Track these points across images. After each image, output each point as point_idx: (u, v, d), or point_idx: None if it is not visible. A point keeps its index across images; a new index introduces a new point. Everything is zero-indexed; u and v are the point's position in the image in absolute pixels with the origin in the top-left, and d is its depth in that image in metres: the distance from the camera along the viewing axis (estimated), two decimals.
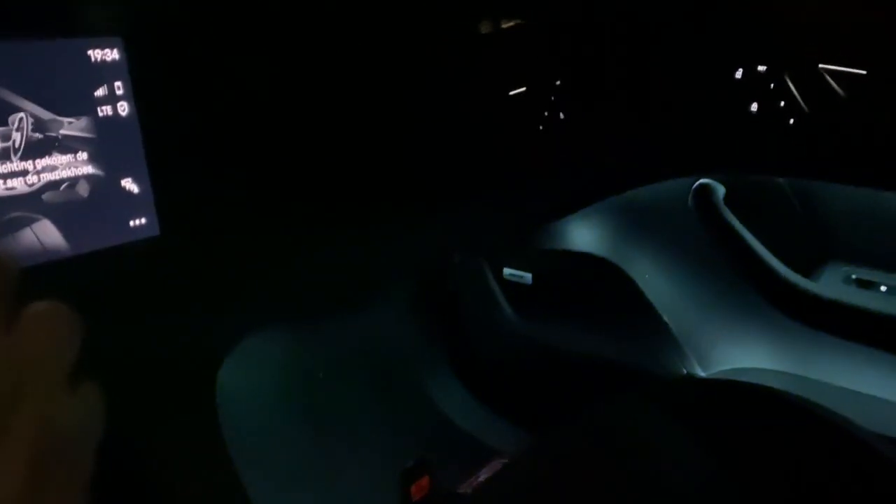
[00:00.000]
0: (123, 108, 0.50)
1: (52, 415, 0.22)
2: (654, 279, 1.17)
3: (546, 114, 0.92)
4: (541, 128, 0.91)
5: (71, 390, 0.24)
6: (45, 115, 0.47)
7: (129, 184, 0.51)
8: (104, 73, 0.49)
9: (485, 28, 0.81)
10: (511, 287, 1.20)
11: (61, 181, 0.48)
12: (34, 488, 0.21)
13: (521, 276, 1.20)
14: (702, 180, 1.13)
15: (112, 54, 0.49)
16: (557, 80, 0.92)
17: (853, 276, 1.12)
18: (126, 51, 0.49)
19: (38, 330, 0.23)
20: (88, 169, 0.49)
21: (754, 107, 0.96)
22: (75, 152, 0.49)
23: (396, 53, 0.70)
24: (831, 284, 1.11)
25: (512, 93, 0.86)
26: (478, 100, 0.82)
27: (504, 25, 0.83)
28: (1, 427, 0.21)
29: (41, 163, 0.47)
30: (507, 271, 1.21)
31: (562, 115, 0.93)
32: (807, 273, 1.12)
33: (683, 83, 1.01)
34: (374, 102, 0.69)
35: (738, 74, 0.96)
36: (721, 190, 1.13)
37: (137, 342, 0.51)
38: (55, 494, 0.22)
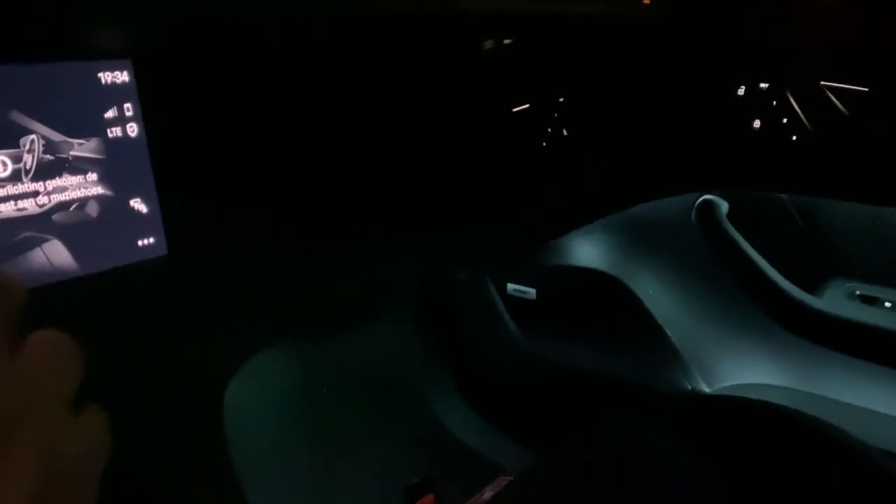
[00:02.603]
0: (133, 130, 0.51)
1: (56, 440, 0.23)
2: (657, 295, 1.17)
3: (549, 130, 0.92)
4: (544, 144, 0.92)
5: (75, 416, 0.24)
6: (56, 136, 0.47)
7: (137, 204, 0.52)
8: (114, 94, 0.49)
9: (487, 45, 0.82)
10: (515, 303, 1.21)
11: (71, 202, 0.49)
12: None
13: (525, 292, 1.20)
14: (705, 196, 1.14)
15: (122, 76, 0.50)
16: (561, 96, 0.92)
17: (857, 292, 1.11)
18: (136, 72, 0.50)
19: (40, 357, 0.24)
20: (98, 189, 0.50)
21: (757, 124, 0.96)
22: (85, 173, 0.49)
23: (399, 72, 0.71)
24: (835, 300, 1.11)
25: (515, 109, 0.86)
26: (481, 116, 0.82)
27: (507, 42, 0.84)
28: (4, 451, 0.21)
29: (52, 184, 0.47)
30: (510, 287, 1.21)
31: (565, 132, 0.94)
32: (810, 289, 1.12)
33: (686, 100, 1.01)
34: (378, 120, 0.69)
35: (741, 92, 0.96)
36: (724, 206, 1.13)
37: (145, 360, 0.52)
38: None
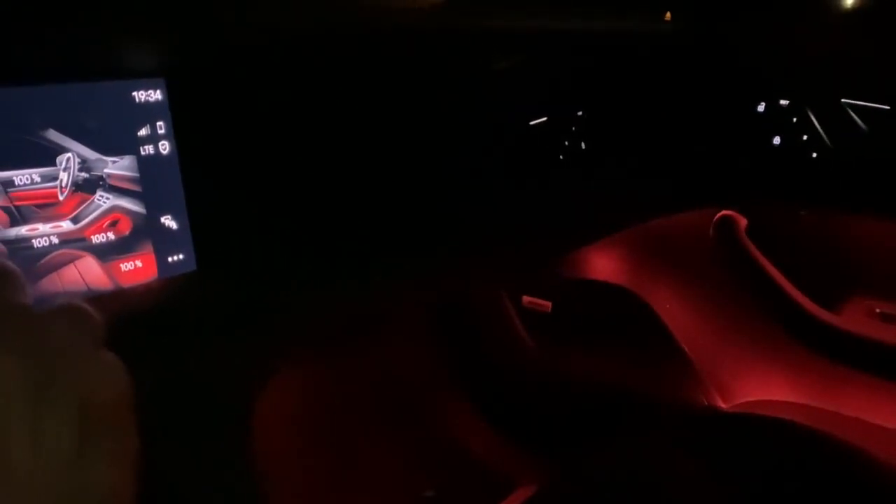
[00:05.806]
0: (164, 147, 0.51)
1: (90, 381, 0.25)
2: (674, 309, 1.17)
3: (567, 143, 0.92)
4: (561, 157, 0.92)
5: (101, 362, 0.27)
6: (91, 154, 0.48)
7: (168, 220, 0.53)
8: (147, 113, 0.50)
9: (506, 59, 0.82)
10: (530, 315, 1.21)
11: (104, 219, 0.49)
12: (85, 448, 0.24)
13: (541, 305, 1.20)
14: (724, 211, 1.13)
15: (155, 95, 0.50)
16: (579, 110, 0.93)
17: (877, 310, 1.11)
18: (168, 91, 0.51)
19: (65, 317, 0.27)
20: (130, 206, 0.51)
21: (777, 140, 0.96)
22: (118, 190, 0.50)
23: (416, 88, 0.71)
24: (854, 317, 1.10)
25: (533, 122, 0.87)
26: (498, 129, 0.82)
27: (526, 56, 0.84)
28: (48, 395, 0.24)
29: (86, 201, 0.48)
30: (526, 300, 1.21)
31: (583, 145, 0.94)
32: (829, 306, 1.11)
33: (706, 115, 1.01)
34: (398, 137, 0.70)
35: (761, 108, 0.97)
36: (743, 221, 1.13)
37: (176, 375, 0.52)
38: (106, 457, 0.25)
